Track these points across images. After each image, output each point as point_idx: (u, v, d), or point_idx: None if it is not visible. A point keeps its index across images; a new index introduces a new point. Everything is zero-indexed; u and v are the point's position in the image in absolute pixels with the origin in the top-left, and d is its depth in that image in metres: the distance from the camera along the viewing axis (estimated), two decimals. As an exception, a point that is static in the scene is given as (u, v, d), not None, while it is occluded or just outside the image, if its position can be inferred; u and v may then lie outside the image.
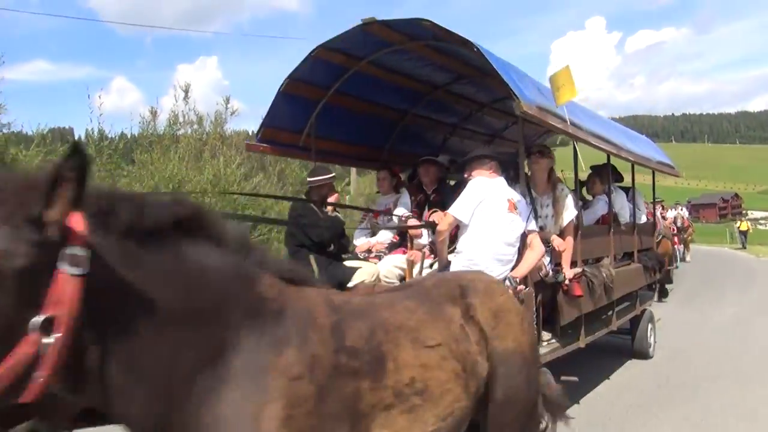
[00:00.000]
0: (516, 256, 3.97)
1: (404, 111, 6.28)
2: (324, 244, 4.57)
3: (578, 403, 5.39)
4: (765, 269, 19.01)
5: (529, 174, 4.75)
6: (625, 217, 6.44)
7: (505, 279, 3.75)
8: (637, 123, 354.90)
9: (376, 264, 4.76)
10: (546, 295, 4.42)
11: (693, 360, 6.89)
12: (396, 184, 5.66)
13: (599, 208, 6.14)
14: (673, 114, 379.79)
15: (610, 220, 5.85)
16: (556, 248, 4.58)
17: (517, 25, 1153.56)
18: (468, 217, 3.83)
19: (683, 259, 20.01)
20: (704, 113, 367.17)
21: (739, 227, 33.76)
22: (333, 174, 5.10)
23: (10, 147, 8.13)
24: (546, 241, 4.42)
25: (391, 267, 4.66)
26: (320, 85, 5.33)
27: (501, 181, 4.03)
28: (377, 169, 5.98)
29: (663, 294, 10.86)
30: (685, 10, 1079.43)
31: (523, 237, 4.01)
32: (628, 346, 6.89)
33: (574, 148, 4.99)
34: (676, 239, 21.18)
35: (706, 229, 50.33)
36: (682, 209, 21.46)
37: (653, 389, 5.77)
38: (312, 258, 4.44)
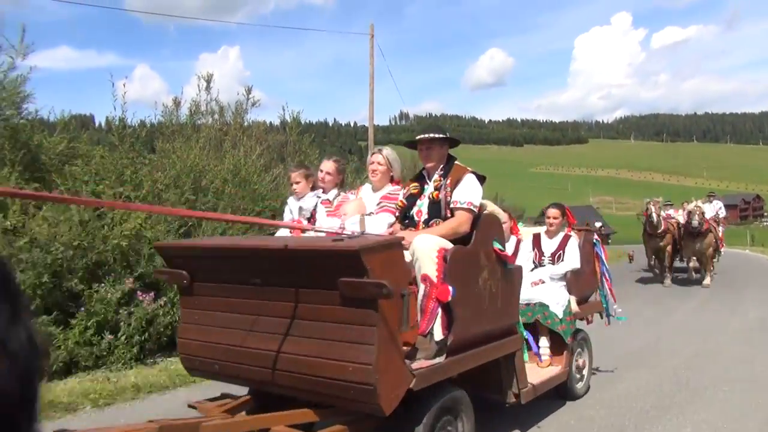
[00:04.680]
0: None
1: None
2: None
3: (599, 405, 5.37)
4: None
5: None
6: None
7: None
8: (658, 121, 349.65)
9: None
10: None
11: (712, 364, 6.80)
12: None
13: None
14: (695, 113, 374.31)
15: None
16: None
17: (541, 21, 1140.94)
18: None
19: (699, 282, 14.44)
20: (727, 113, 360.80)
21: None
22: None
23: (35, 133, 8.22)
24: None
25: None
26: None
27: None
28: None
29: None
30: (713, 7, 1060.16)
31: None
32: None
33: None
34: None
35: (727, 231, 49.61)
36: (714, 202, 15.24)
37: (673, 393, 5.71)
38: None
